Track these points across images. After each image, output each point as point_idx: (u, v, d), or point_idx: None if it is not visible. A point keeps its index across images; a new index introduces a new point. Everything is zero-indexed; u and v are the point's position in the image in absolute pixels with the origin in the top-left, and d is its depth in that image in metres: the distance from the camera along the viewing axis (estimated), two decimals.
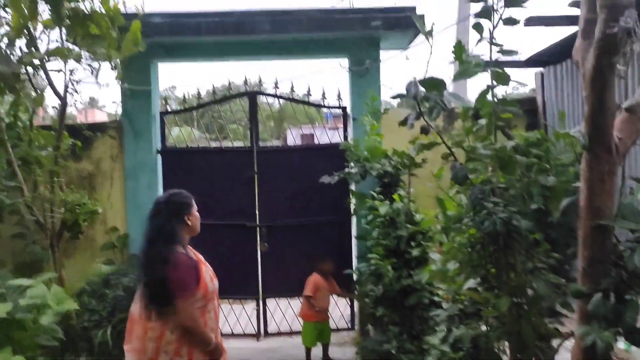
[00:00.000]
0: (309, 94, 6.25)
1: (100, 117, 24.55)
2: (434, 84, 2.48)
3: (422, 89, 2.47)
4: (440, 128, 2.59)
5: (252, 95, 6.25)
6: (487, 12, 2.45)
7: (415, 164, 4.64)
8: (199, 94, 6.57)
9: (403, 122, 2.49)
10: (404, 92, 2.53)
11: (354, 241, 6.14)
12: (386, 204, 5.01)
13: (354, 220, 6.11)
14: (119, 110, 6.23)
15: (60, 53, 4.49)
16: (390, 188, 5.36)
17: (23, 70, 4.64)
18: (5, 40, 4.51)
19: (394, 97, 2.87)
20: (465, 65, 2.50)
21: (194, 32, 5.80)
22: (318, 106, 6.56)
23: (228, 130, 9.84)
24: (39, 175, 5.06)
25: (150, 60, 6.12)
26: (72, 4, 4.65)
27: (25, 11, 4.47)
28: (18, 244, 5.74)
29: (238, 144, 7.08)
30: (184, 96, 6.71)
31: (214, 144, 7.11)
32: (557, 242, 2.61)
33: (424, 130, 2.48)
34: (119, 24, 4.93)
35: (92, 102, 38.28)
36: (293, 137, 7.85)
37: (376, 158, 5.42)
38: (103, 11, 4.75)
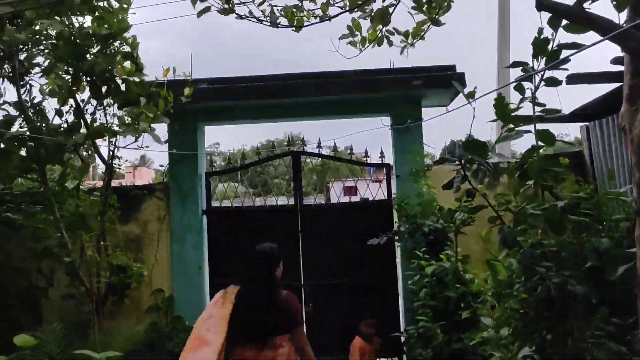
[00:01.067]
0: (351, 152, 6.38)
1: (149, 175, 25.44)
2: (477, 146, 2.52)
3: (465, 151, 2.51)
4: (485, 189, 2.61)
5: (295, 154, 6.43)
6: (528, 76, 2.51)
7: (463, 223, 4.61)
8: (243, 155, 6.81)
9: (448, 186, 2.53)
10: (447, 153, 2.58)
11: (400, 301, 6.04)
12: (433, 263, 4.96)
13: (400, 279, 6.04)
14: (166, 170, 6.50)
15: (102, 130, 4.76)
16: (437, 247, 5.31)
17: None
18: (50, 109, 4.84)
19: (437, 163, 2.92)
20: (507, 120, 2.54)
21: (238, 96, 6.09)
22: (361, 164, 6.67)
23: (271, 185, 10.05)
24: (86, 239, 5.26)
25: (196, 123, 6.43)
26: (108, 74, 4.92)
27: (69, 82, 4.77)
28: (67, 304, 5.92)
29: (282, 199, 7.21)
30: (229, 156, 6.96)
31: (258, 200, 7.27)
32: (616, 304, 2.52)
33: (470, 194, 2.50)
34: (151, 92, 5.14)
35: (142, 160, 39.97)
36: (336, 191, 7.94)
37: (428, 214, 5.43)
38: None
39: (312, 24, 3.43)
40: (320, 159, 6.82)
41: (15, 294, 5.75)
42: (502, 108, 2.58)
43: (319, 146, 6.41)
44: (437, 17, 3.46)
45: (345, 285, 6.14)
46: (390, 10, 3.43)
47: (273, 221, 6.32)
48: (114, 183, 5.91)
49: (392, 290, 6.17)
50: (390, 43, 3.64)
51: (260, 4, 3.27)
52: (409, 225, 5.43)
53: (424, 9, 3.43)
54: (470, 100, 2.67)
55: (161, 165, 7.76)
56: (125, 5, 4.53)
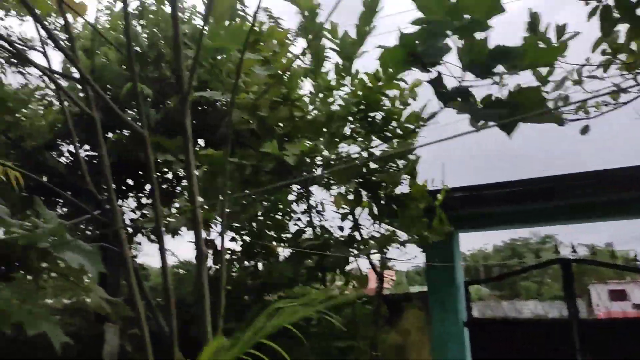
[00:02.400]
0: (636, 259, 5.65)
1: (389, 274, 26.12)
2: None
3: None
4: None
5: (565, 262, 5.96)
6: None
7: None
8: (503, 263, 6.57)
9: None
10: None
11: None
12: None
13: None
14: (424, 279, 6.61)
15: (386, 240, 5.12)
16: None
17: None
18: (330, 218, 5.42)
19: None
20: None
21: (497, 202, 6.03)
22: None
23: (519, 288, 9.41)
24: (361, 347, 5.51)
25: (452, 231, 6.49)
26: (386, 191, 5.35)
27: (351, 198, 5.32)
28: None
29: (539, 305, 6.61)
30: (486, 264, 6.79)
31: (505, 304, 6.81)
32: None
33: None
34: (427, 204, 5.42)
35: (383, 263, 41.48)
36: (598, 295, 7.02)
37: None
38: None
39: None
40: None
41: None
42: None
43: (592, 252, 5.84)
44: None
45: None
46: None
47: (543, 335, 5.81)
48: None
49: None
50: None
51: None
52: None
53: None
54: None
55: (418, 275, 7.92)
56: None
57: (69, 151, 8.35)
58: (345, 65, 4.96)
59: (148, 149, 1.86)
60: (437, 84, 1.49)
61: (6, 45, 1.64)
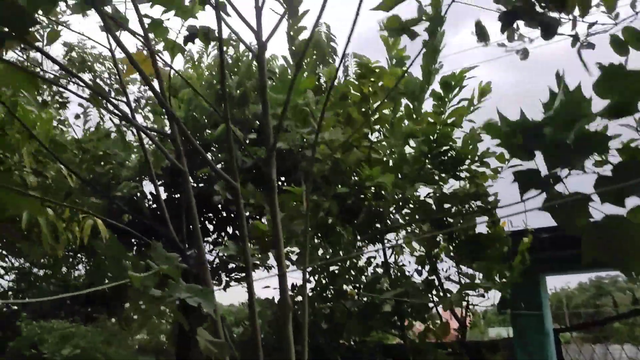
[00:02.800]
0: None
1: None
2: None
3: None
4: None
5: None
6: None
7: None
8: (596, 310, 6.14)
9: None
10: None
11: None
12: None
13: None
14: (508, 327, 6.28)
15: (467, 286, 4.94)
16: None
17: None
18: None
19: None
20: None
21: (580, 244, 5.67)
22: None
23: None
24: None
25: (537, 274, 6.16)
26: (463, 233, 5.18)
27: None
28: None
29: (627, 347, 6.07)
30: (571, 307, 6.36)
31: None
32: None
33: None
34: (508, 246, 5.19)
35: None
36: None
37: None
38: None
39: None
40: None
41: None
42: None
43: None
44: None
45: None
46: None
47: None
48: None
49: None
50: None
51: None
52: None
53: None
54: None
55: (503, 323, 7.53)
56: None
57: (150, 193, 8.76)
58: (415, 107, 4.97)
59: (239, 200, 1.92)
60: (526, 176, 1.43)
61: (111, 107, 1.77)
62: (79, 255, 9.20)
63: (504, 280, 4.90)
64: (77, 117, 9.36)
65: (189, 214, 2.07)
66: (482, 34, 2.23)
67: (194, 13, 2.78)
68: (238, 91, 7.53)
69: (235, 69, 8.10)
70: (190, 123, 7.66)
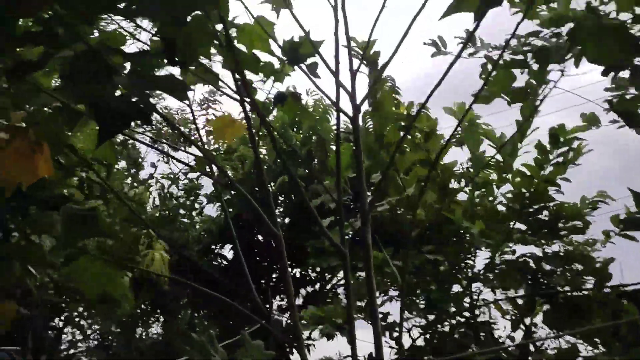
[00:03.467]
0: None
1: None
2: None
3: None
4: None
5: None
6: None
7: None
8: None
9: None
10: None
11: None
12: None
13: None
14: None
15: (567, 354, 4.59)
16: None
17: None
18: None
19: None
20: None
21: None
22: None
23: None
24: None
25: None
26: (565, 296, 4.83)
27: None
28: None
29: None
30: None
31: None
32: None
33: None
34: (619, 310, 4.80)
35: None
36: None
37: None
38: None
39: None
40: None
41: None
42: None
43: None
44: None
45: None
46: None
47: None
48: None
49: None
50: None
51: None
52: None
53: None
54: None
55: None
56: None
57: (218, 254, 8.90)
58: (507, 161, 4.76)
59: (348, 265, 1.90)
60: None
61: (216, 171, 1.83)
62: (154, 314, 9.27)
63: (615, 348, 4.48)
64: (150, 177, 9.61)
65: (283, 278, 2.06)
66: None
67: (285, 75, 2.83)
68: (303, 150, 7.56)
69: (296, 125, 8.09)
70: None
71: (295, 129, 8.12)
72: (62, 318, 8.73)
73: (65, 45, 1.41)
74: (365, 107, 3.24)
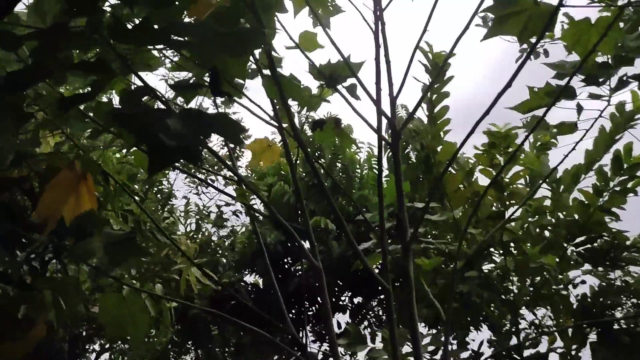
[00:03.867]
0: None
1: None
2: None
3: None
4: None
5: None
6: None
7: None
8: None
9: None
10: None
11: None
12: None
13: None
14: None
15: None
16: None
17: None
18: None
19: None
20: None
21: None
22: None
23: None
24: None
25: None
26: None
27: None
28: None
29: None
30: None
31: None
32: None
33: None
34: None
35: None
36: None
37: None
38: None
39: None
40: None
41: None
42: None
43: None
44: None
45: None
46: None
47: None
48: None
49: None
50: None
51: None
52: None
53: None
54: None
55: None
56: None
57: (245, 282, 8.82)
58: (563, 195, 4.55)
59: (391, 301, 1.85)
60: None
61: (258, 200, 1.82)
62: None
63: None
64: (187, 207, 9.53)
65: (323, 313, 2.02)
66: None
67: (323, 99, 2.78)
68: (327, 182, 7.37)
69: (318, 152, 7.94)
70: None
71: (317, 154, 8.00)
72: (94, 348, 8.71)
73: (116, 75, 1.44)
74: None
